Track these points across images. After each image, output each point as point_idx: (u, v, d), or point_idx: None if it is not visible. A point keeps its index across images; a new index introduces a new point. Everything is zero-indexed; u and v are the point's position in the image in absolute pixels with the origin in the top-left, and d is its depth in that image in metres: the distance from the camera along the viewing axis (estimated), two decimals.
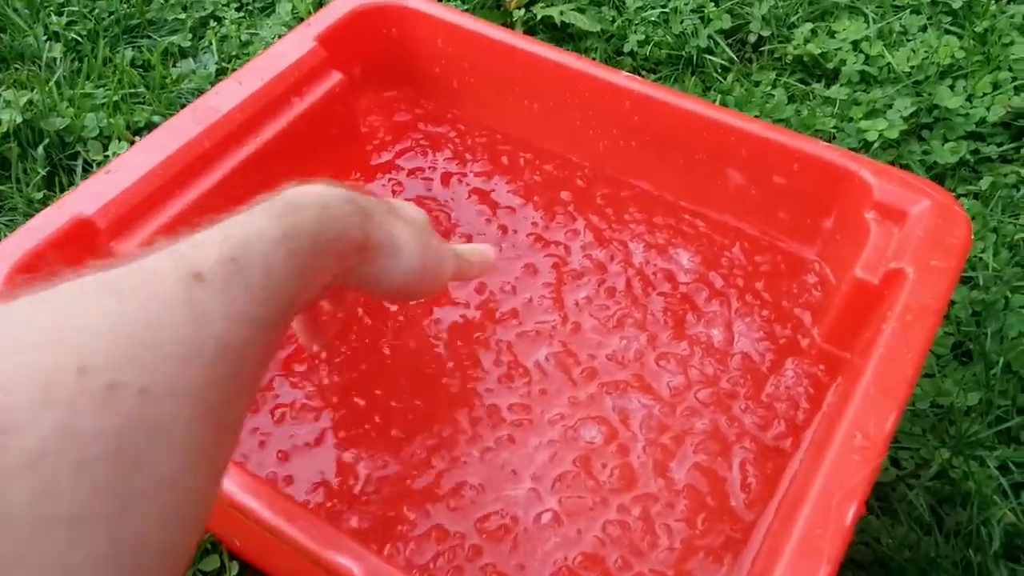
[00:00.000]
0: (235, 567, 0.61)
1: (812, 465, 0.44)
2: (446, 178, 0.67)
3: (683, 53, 0.96)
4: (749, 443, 0.53)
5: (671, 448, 0.53)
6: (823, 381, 0.55)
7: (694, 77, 0.95)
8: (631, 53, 0.96)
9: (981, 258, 0.78)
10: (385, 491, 0.53)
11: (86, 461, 0.24)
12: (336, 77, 0.62)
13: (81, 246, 0.52)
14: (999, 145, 0.86)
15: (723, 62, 0.96)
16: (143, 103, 0.90)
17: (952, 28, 0.97)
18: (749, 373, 0.56)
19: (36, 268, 0.50)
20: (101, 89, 0.91)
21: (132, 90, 0.91)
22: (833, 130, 0.88)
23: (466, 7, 0.99)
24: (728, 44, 0.97)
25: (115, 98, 0.89)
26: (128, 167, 0.54)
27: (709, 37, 0.97)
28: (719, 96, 0.92)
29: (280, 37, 0.73)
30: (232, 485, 0.43)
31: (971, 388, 0.69)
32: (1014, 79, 0.90)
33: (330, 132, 0.63)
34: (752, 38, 0.98)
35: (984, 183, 0.83)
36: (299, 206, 0.38)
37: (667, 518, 0.51)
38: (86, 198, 0.52)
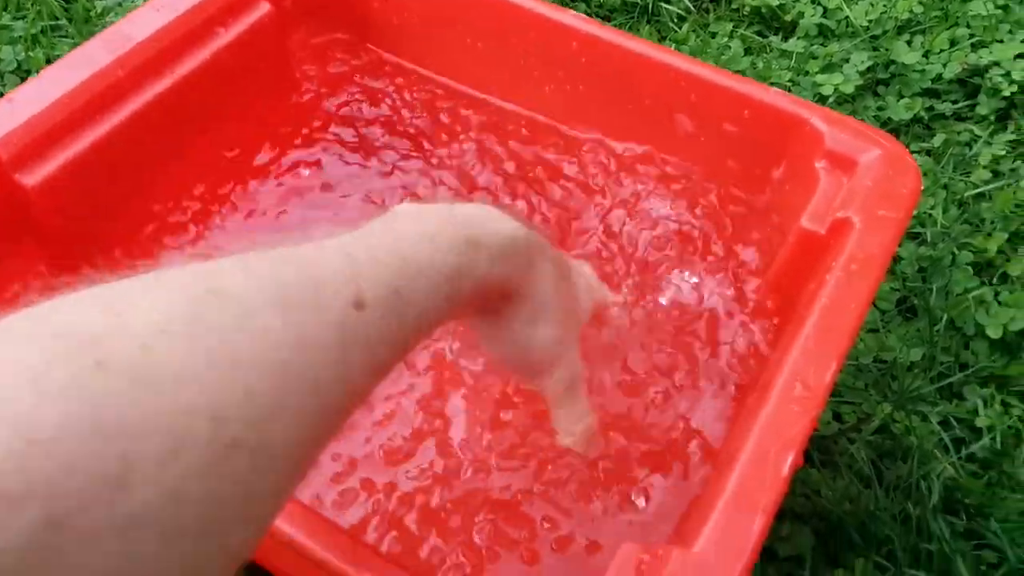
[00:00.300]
0: None
1: (750, 415, 0.43)
2: (386, 126, 0.65)
3: (638, 1, 0.94)
4: (688, 391, 0.52)
5: (608, 394, 0.52)
6: (766, 331, 0.54)
7: (649, 26, 0.93)
8: None
9: (930, 214, 0.77)
10: None
11: (174, 533, 0.21)
12: (264, 8, 0.59)
13: None
14: (954, 103, 0.86)
15: (679, 11, 0.94)
16: (65, 36, 0.85)
17: None
18: (691, 321, 0.55)
19: None
20: (20, 21, 0.86)
21: (53, 22, 0.86)
22: (789, 83, 0.87)
23: None
24: None
25: (34, 31, 0.84)
26: (33, 96, 0.50)
27: None
28: (673, 46, 0.90)
29: None
30: None
31: (914, 344, 0.69)
32: (972, 36, 0.89)
33: (258, 72, 0.60)
34: None
35: (937, 140, 0.83)
36: (478, 244, 0.34)
37: (602, 465, 0.50)
38: None
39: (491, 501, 0.48)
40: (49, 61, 0.82)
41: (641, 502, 0.48)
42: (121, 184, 0.55)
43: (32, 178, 0.49)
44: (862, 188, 0.51)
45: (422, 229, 0.32)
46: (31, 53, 0.82)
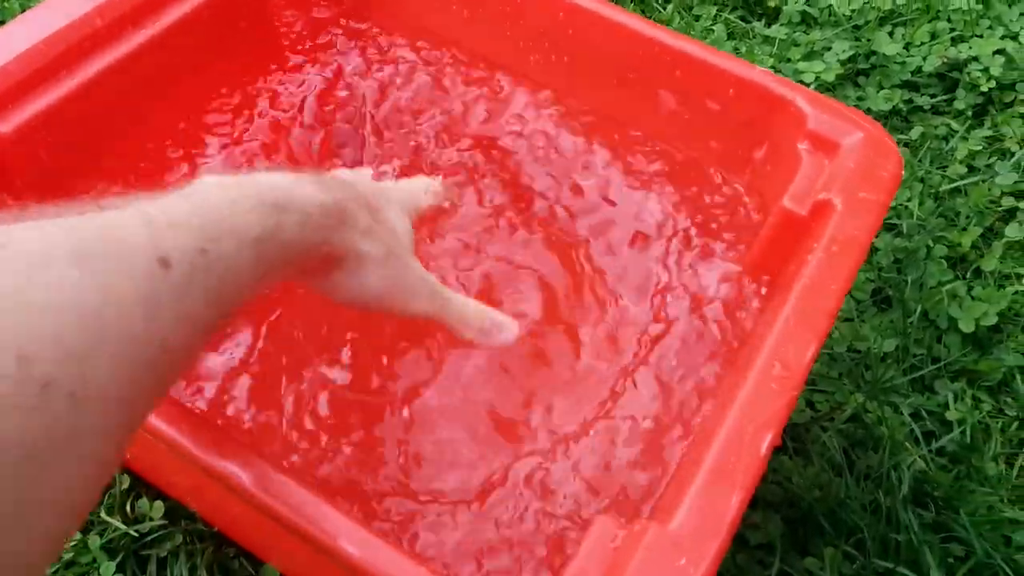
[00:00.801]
0: (126, 480, 0.57)
1: (729, 393, 0.42)
2: (361, 85, 0.63)
3: None
4: (666, 368, 0.51)
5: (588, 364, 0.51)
6: (745, 312, 0.53)
7: (633, 5, 0.92)
8: None
9: (907, 206, 0.77)
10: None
11: None
12: None
13: None
14: (932, 96, 0.86)
15: None
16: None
17: None
18: (670, 301, 0.54)
19: None
20: None
21: None
22: (771, 70, 0.86)
23: None
24: None
25: None
26: (9, 43, 0.48)
27: None
28: None
29: None
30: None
31: (888, 334, 0.68)
32: (952, 30, 0.89)
33: (239, 23, 0.58)
34: None
35: (915, 133, 0.83)
36: (284, 208, 0.34)
37: (584, 437, 0.49)
38: None
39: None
40: (23, 10, 0.79)
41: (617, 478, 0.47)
42: (97, 136, 0.53)
43: (6, 126, 0.47)
44: (844, 170, 0.50)
45: (224, 195, 0.33)
46: (6, 4, 0.79)
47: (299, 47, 0.64)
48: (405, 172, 0.59)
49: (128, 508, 0.56)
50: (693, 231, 0.57)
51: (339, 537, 0.35)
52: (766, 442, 0.39)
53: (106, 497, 0.57)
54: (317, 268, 0.39)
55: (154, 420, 0.38)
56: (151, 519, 0.55)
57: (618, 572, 0.35)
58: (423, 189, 0.51)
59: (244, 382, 0.50)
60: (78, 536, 0.55)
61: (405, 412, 0.50)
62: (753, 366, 0.41)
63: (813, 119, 0.52)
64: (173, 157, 0.57)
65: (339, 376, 0.50)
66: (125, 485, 0.57)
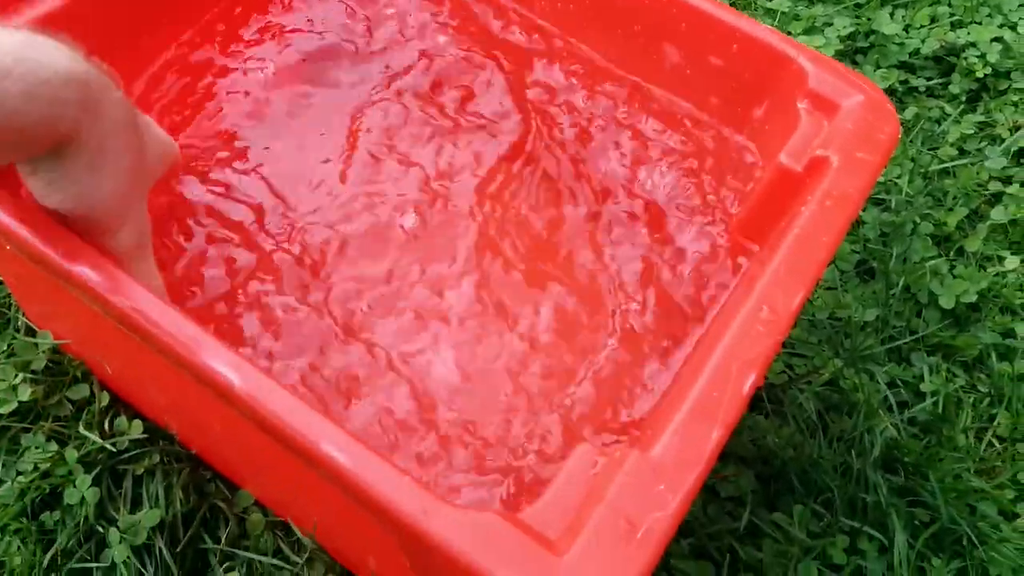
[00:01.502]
0: (105, 398, 0.57)
1: (716, 333, 0.42)
2: (355, 13, 0.62)
3: None
4: (659, 311, 0.51)
5: (588, 304, 0.52)
6: (738, 261, 0.54)
7: None
8: None
9: (896, 183, 0.78)
10: None
11: None
12: None
13: None
14: (928, 79, 0.86)
15: None
16: None
17: None
18: (666, 246, 0.54)
19: None
20: None
21: None
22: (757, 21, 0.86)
23: None
24: None
25: None
26: None
27: None
28: None
29: None
30: (99, 279, 0.39)
31: (870, 305, 0.69)
32: (952, 15, 0.90)
33: None
34: None
35: (909, 113, 0.83)
36: (6, 75, 0.31)
37: (566, 362, 0.49)
38: None
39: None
40: None
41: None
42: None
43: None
44: (842, 130, 0.50)
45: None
46: None
47: None
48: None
49: (106, 425, 0.56)
50: (687, 184, 0.57)
51: (324, 442, 0.35)
52: (749, 381, 0.39)
53: (84, 413, 0.57)
54: (49, 148, 0.35)
55: (138, 317, 0.38)
56: (128, 436, 0.55)
57: (598, 495, 0.35)
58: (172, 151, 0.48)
59: None
60: (55, 447, 0.55)
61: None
62: (742, 309, 0.42)
63: (814, 78, 0.53)
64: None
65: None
66: (104, 403, 0.57)
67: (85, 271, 0.39)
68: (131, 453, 0.55)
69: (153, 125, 0.46)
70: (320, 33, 0.61)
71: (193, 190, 0.53)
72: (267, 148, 0.56)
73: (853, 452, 0.60)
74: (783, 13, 0.89)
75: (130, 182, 0.39)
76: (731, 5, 0.90)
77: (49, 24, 0.46)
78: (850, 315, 0.68)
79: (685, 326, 0.50)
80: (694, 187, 0.57)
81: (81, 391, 0.58)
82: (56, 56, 0.33)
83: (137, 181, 0.40)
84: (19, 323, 0.61)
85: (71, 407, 0.58)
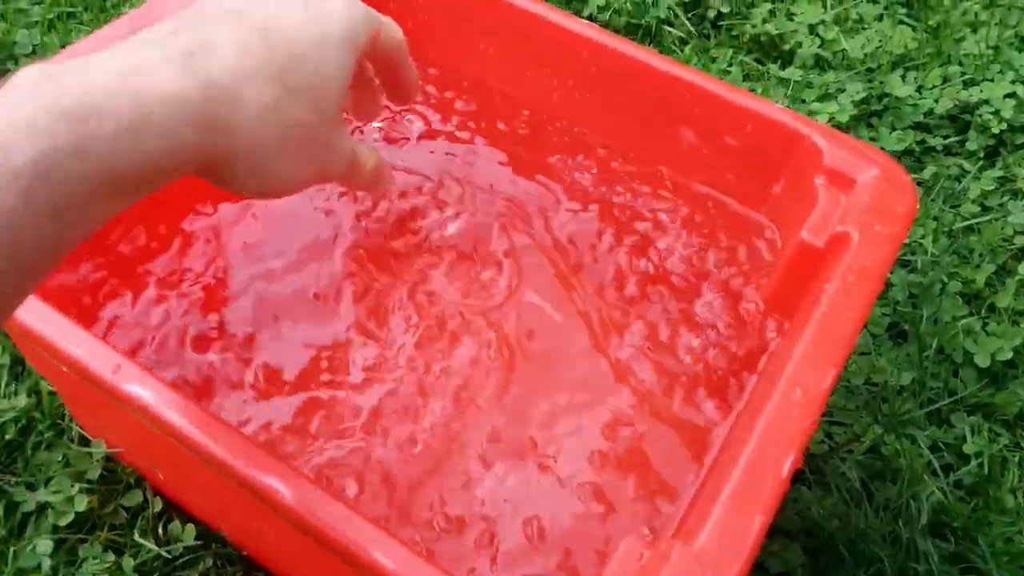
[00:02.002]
0: (158, 503, 0.58)
1: (750, 418, 0.43)
2: (391, 122, 0.65)
3: (642, 22, 0.95)
4: (687, 398, 0.52)
5: (607, 391, 0.52)
6: (764, 342, 0.54)
7: (651, 47, 0.95)
8: (590, 17, 0.95)
9: (920, 243, 0.78)
10: None
11: None
12: None
13: None
14: (944, 137, 0.88)
15: (681, 35, 0.95)
16: (80, 24, 0.86)
17: (907, 19, 0.98)
18: (689, 329, 0.55)
19: None
20: (36, 6, 0.87)
21: (69, 9, 0.87)
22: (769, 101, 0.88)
23: None
24: (688, 18, 0.97)
25: (50, 16, 0.85)
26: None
27: (669, 8, 0.96)
28: None
29: None
30: (155, 399, 0.40)
31: (905, 368, 0.69)
32: (963, 73, 0.91)
33: None
34: (711, 13, 0.98)
35: (927, 173, 0.84)
36: (83, 117, 0.26)
37: (603, 458, 0.50)
38: None
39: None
40: (63, 46, 0.83)
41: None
42: None
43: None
44: (860, 204, 0.51)
45: (25, 101, 0.26)
46: (46, 38, 0.82)
47: None
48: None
49: (160, 530, 0.57)
50: (709, 262, 0.58)
51: (375, 551, 0.36)
52: (787, 464, 0.40)
53: (139, 519, 0.58)
54: (204, 168, 0.31)
55: (189, 431, 0.40)
56: (182, 542, 0.57)
57: None
58: (366, 17, 0.38)
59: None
60: (112, 557, 0.56)
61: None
62: (774, 392, 0.43)
63: (829, 155, 0.54)
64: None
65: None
66: (158, 508, 0.59)
67: (135, 389, 0.41)
68: (185, 559, 0.56)
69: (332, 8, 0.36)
70: None
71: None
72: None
73: (900, 520, 0.60)
74: (796, 81, 0.91)
75: (309, 149, 0.34)
76: (745, 76, 0.93)
77: None
78: (886, 379, 0.68)
79: (717, 409, 0.51)
80: (714, 264, 0.58)
81: (135, 497, 0.60)
82: (164, 77, 0.28)
83: (314, 139, 0.34)
84: (73, 433, 0.63)
85: (126, 514, 0.60)
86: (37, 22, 0.84)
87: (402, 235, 0.59)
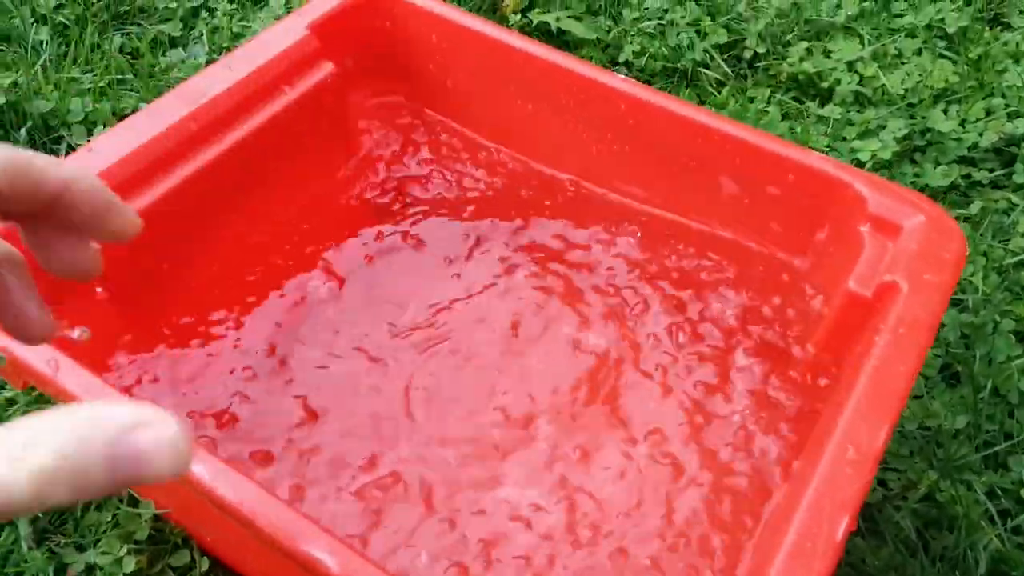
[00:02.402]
0: (205, 563, 0.59)
1: (802, 478, 0.42)
2: (432, 180, 0.66)
3: (678, 66, 0.95)
4: (739, 455, 0.52)
5: (661, 455, 0.52)
6: (814, 395, 0.54)
7: (688, 90, 0.95)
8: (626, 63, 0.95)
9: (971, 281, 0.77)
10: None
11: None
12: (328, 68, 0.61)
13: None
14: (990, 171, 0.86)
15: (718, 76, 0.95)
16: (130, 90, 0.89)
17: (946, 53, 0.97)
18: (740, 385, 0.55)
19: (13, 247, 0.48)
20: (88, 75, 0.89)
21: (119, 76, 0.89)
22: (826, 149, 0.88)
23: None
24: (724, 59, 0.97)
25: (101, 84, 0.88)
26: (111, 146, 0.52)
27: (705, 51, 0.96)
28: (713, 110, 0.91)
29: None
30: (204, 472, 0.41)
31: (959, 411, 0.68)
32: (1007, 106, 0.90)
33: (319, 124, 0.62)
34: (748, 54, 0.98)
35: (975, 208, 0.83)
36: None
37: (654, 522, 0.49)
38: None
39: None
40: (115, 113, 0.85)
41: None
42: (191, 233, 0.56)
43: None
44: (907, 252, 0.51)
45: None
46: (98, 105, 0.85)
47: (371, 150, 0.68)
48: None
49: None
50: (757, 312, 0.58)
51: None
52: (842, 527, 0.39)
53: None
54: None
55: (235, 502, 0.40)
56: None
57: None
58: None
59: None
60: None
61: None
62: (826, 450, 0.42)
63: (873, 202, 0.54)
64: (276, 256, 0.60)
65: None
66: (205, 568, 0.59)
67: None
68: None
69: None
70: None
71: None
72: None
73: (958, 570, 0.58)
74: (836, 119, 0.91)
75: None
76: (783, 115, 0.93)
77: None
78: (940, 423, 0.67)
79: (767, 468, 0.51)
80: (760, 317, 0.58)
81: (182, 557, 0.60)
82: None
83: None
84: (122, 493, 0.64)
85: (173, 574, 0.60)
86: (89, 90, 0.87)
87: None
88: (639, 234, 0.62)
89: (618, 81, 0.60)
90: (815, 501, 0.40)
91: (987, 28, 0.99)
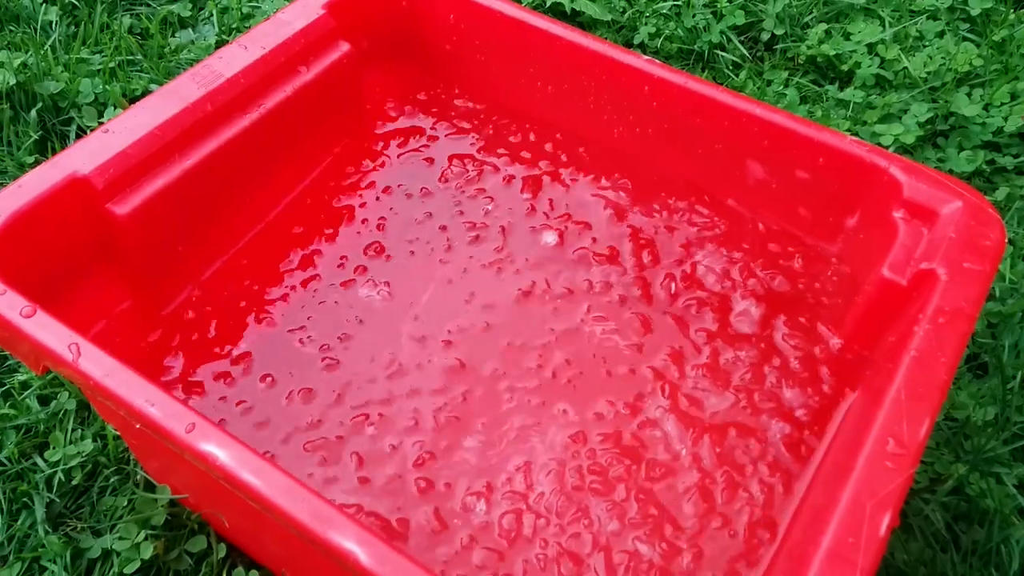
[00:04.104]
0: (222, 549, 0.58)
1: (840, 470, 0.41)
2: (449, 160, 0.64)
3: (694, 48, 0.94)
4: (766, 442, 0.51)
5: (690, 442, 0.51)
6: (845, 382, 0.53)
7: (705, 73, 0.93)
8: (641, 45, 0.93)
9: (998, 269, 0.75)
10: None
11: None
12: (344, 48, 0.59)
13: (76, 207, 0.48)
14: (1015, 156, 0.85)
15: (735, 59, 0.94)
16: (140, 71, 0.87)
17: (970, 35, 0.95)
18: (766, 371, 0.54)
19: (26, 230, 0.47)
20: (97, 55, 0.88)
21: (129, 57, 0.88)
22: (847, 133, 0.86)
23: None
24: (740, 41, 0.95)
25: (111, 64, 0.86)
26: (127, 127, 0.51)
27: (721, 33, 0.94)
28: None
29: None
30: (228, 459, 0.40)
31: (987, 402, 0.66)
32: None
33: (334, 104, 0.60)
34: (765, 36, 0.96)
35: (1000, 194, 0.81)
36: None
37: (679, 515, 0.48)
38: (83, 156, 0.49)
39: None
40: (125, 94, 0.84)
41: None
42: (205, 214, 0.55)
43: (124, 208, 0.49)
44: (944, 239, 0.49)
45: None
46: (108, 86, 0.83)
47: (387, 130, 0.66)
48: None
49: None
50: (783, 297, 0.57)
51: None
52: (885, 523, 0.38)
53: (203, 565, 0.58)
54: None
55: (259, 487, 0.39)
56: None
57: None
58: None
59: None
60: None
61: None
62: (865, 442, 0.41)
63: (908, 187, 0.52)
64: (294, 232, 0.59)
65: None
66: (222, 554, 0.58)
67: (212, 449, 0.41)
68: None
69: None
70: None
71: None
72: None
73: (991, 566, 0.57)
74: (856, 103, 0.89)
75: None
76: (802, 99, 0.91)
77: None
78: (968, 415, 0.65)
79: (798, 462, 0.49)
80: (789, 300, 0.56)
81: (199, 543, 0.59)
82: None
83: None
84: (138, 477, 0.63)
85: (190, 560, 0.59)
86: (99, 71, 0.85)
87: None
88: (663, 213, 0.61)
89: (642, 62, 0.58)
90: (856, 495, 0.39)
91: (1012, 10, 0.97)
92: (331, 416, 0.53)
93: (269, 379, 0.54)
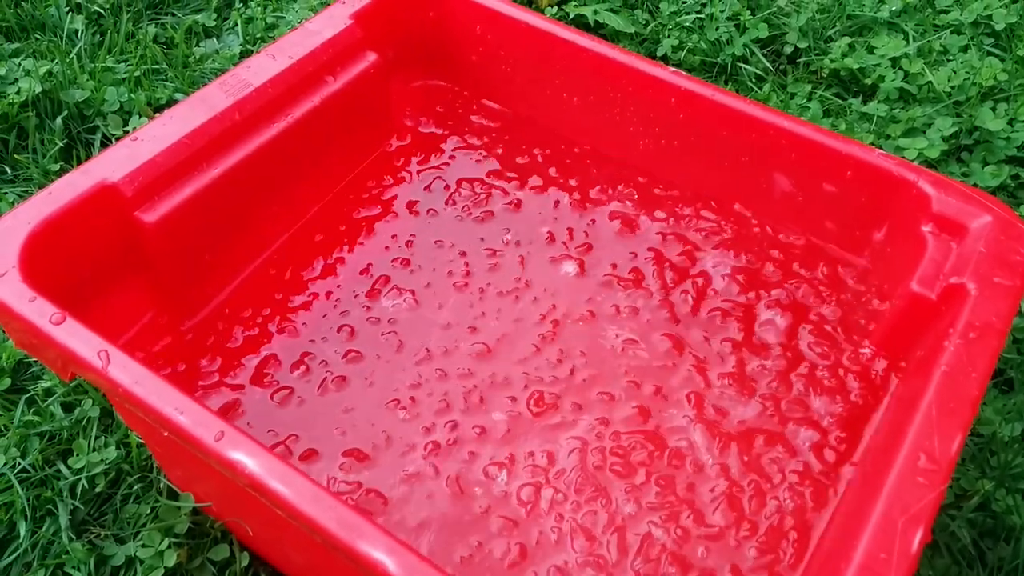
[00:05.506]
0: (245, 558, 0.58)
1: (871, 484, 0.41)
2: (475, 170, 0.65)
3: (717, 60, 0.94)
4: (795, 457, 0.50)
5: (721, 455, 0.50)
6: (873, 396, 0.52)
7: (728, 85, 0.93)
8: (664, 57, 0.93)
9: None
10: None
11: None
12: (371, 58, 0.60)
13: (105, 214, 0.49)
14: None
15: (758, 72, 0.93)
16: (165, 80, 0.88)
17: (994, 50, 0.95)
18: (793, 385, 0.53)
19: (55, 237, 0.47)
20: (123, 64, 0.89)
21: (154, 66, 0.89)
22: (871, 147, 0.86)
23: None
24: (764, 54, 0.95)
25: (137, 73, 0.87)
26: (156, 135, 0.51)
27: (744, 46, 0.94)
28: None
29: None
30: (257, 467, 0.40)
31: (1013, 418, 0.66)
32: None
33: (360, 114, 0.61)
34: (788, 49, 0.96)
35: None
36: None
37: (713, 526, 0.48)
38: (111, 164, 0.49)
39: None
40: (150, 103, 0.84)
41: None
42: (232, 223, 0.55)
43: (152, 215, 0.49)
44: (974, 254, 0.49)
45: None
46: (133, 95, 0.84)
47: (412, 140, 0.66)
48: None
49: None
50: (811, 311, 0.56)
51: None
52: (917, 538, 0.37)
53: (226, 574, 0.58)
54: None
55: (288, 495, 0.39)
56: None
57: None
58: None
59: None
60: None
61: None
62: (896, 457, 0.40)
63: (937, 201, 0.52)
64: (316, 240, 0.59)
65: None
66: (244, 563, 0.58)
67: (240, 457, 0.41)
68: None
69: None
70: None
71: None
72: None
73: None
74: (880, 117, 0.89)
75: None
76: (825, 112, 0.91)
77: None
78: (994, 431, 0.65)
79: (827, 476, 0.49)
80: (816, 312, 0.56)
81: (222, 552, 0.59)
82: None
83: None
84: (161, 485, 0.63)
85: (213, 569, 0.59)
86: (124, 79, 0.86)
87: None
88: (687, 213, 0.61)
89: (668, 73, 0.58)
90: (887, 511, 0.38)
91: None
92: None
93: (298, 374, 0.54)
